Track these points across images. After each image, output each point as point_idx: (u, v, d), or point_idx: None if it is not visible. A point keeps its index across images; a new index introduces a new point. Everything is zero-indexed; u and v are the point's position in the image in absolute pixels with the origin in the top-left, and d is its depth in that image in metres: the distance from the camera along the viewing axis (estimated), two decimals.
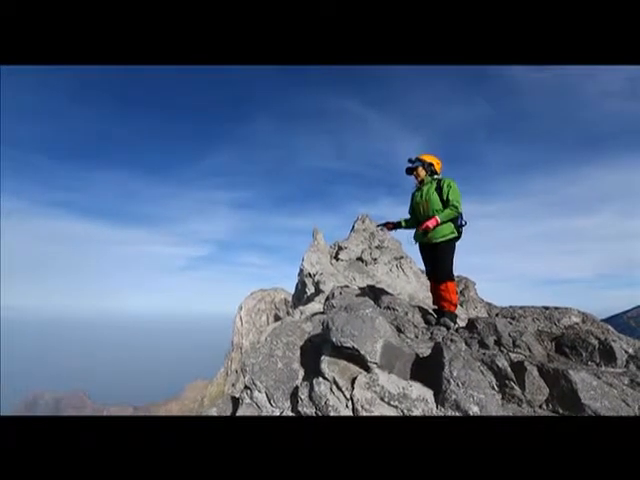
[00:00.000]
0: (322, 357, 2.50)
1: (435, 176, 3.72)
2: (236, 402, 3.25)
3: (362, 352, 2.28)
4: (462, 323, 3.77)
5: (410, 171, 3.81)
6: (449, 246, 3.58)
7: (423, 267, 3.92)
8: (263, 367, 2.90)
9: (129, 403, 64.91)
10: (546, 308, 3.78)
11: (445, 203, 3.52)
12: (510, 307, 3.96)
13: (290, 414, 2.51)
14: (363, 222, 14.69)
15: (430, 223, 3.47)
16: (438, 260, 3.62)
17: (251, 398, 2.86)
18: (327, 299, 4.20)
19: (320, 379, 2.40)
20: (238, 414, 2.79)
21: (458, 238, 3.65)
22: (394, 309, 3.75)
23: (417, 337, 3.30)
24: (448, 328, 3.46)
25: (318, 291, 9.17)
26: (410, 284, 10.35)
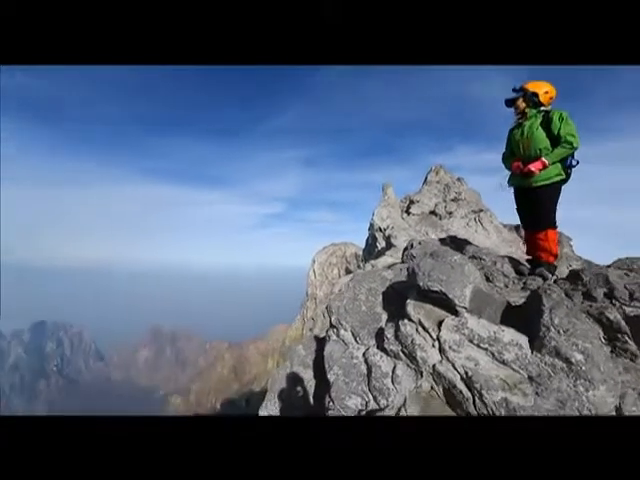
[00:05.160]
0: (407, 301, 2.58)
1: (542, 108, 3.16)
2: (320, 341, 3.63)
3: (450, 296, 2.28)
4: None
5: (510, 103, 3.32)
6: (553, 190, 3.14)
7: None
8: (348, 309, 3.13)
9: (224, 339, 77.49)
10: None
11: (555, 140, 3.01)
12: (627, 258, 3.40)
13: (376, 351, 2.72)
14: (437, 174, 13.51)
15: (534, 166, 3.05)
16: (539, 205, 3.22)
17: (337, 335, 3.15)
18: (405, 249, 4.19)
19: (405, 321, 2.49)
20: (326, 350, 3.13)
21: (565, 181, 3.16)
22: (481, 258, 3.56)
23: (507, 287, 3.12)
24: (545, 279, 3.17)
25: (389, 245, 9.09)
26: (490, 239, 9.49)
